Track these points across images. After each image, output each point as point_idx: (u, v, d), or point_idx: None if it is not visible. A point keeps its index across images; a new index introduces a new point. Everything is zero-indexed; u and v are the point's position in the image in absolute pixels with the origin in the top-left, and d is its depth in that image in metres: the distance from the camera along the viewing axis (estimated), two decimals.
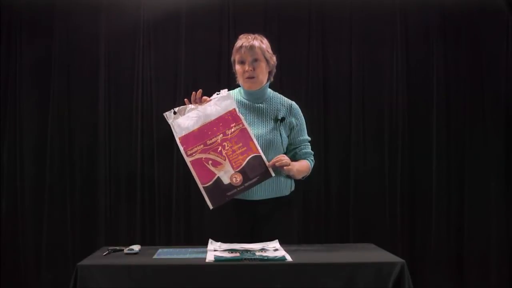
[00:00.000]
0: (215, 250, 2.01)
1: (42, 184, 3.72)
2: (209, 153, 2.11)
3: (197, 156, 2.11)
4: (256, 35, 2.39)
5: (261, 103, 2.38)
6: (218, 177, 2.11)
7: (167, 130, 3.66)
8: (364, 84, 3.79)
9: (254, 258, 1.86)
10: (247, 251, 1.98)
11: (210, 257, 1.89)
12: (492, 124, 3.77)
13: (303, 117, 2.47)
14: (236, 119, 2.17)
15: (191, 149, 2.12)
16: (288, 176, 2.36)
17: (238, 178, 2.11)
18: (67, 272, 3.31)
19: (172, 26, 3.78)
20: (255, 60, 2.33)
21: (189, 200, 3.71)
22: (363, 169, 3.76)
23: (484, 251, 3.74)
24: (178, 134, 2.16)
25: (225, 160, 2.11)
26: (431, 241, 3.74)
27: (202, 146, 2.12)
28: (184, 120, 2.17)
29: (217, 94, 2.25)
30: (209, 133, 2.14)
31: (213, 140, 2.13)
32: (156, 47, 3.78)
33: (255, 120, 2.34)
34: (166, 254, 2.02)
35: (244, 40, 2.35)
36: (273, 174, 2.18)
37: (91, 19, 3.75)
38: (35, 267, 3.68)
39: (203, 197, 2.15)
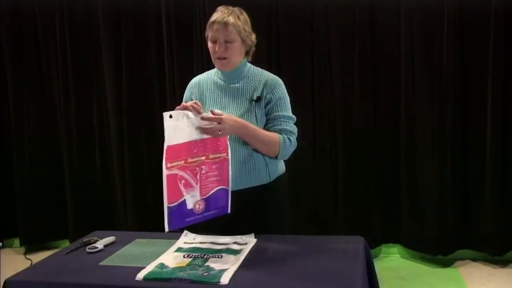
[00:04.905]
0: (184, 243, 2.00)
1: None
2: (185, 172, 1.88)
3: (175, 171, 1.85)
4: (235, 9, 2.13)
5: (237, 83, 2.17)
6: (184, 200, 1.88)
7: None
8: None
9: (186, 278, 1.69)
10: (207, 252, 1.90)
11: (140, 275, 1.73)
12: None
13: (284, 92, 2.20)
14: (225, 147, 1.99)
15: (172, 162, 1.85)
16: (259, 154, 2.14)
17: (201, 206, 1.93)
18: None
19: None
20: (228, 40, 2.09)
21: None
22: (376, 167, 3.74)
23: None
24: (166, 142, 1.86)
25: (197, 184, 1.91)
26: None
27: (182, 162, 1.88)
28: (178, 128, 1.90)
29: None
30: (195, 151, 1.91)
31: (195, 159, 1.91)
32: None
33: (229, 102, 2.14)
34: (121, 256, 1.93)
35: (219, 15, 2.09)
36: (229, 211, 2.00)
37: (91, 19, 3.82)
38: None
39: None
